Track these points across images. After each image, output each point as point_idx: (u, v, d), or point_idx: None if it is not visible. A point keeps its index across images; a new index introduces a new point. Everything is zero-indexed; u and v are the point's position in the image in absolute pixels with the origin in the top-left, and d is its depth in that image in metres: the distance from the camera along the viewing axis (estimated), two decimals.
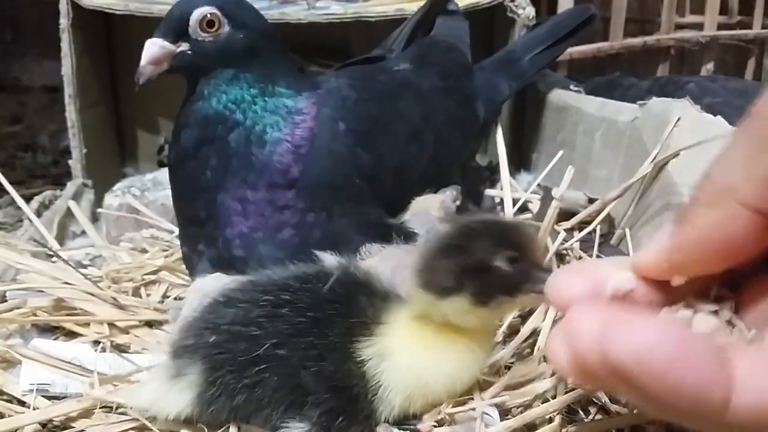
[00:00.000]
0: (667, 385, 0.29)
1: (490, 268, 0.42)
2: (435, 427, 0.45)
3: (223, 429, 0.45)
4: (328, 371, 0.43)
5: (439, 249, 0.44)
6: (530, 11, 0.90)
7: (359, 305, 0.45)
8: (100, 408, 0.49)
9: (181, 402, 0.44)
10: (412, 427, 0.44)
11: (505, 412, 0.45)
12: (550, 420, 0.44)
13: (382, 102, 0.66)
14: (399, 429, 0.44)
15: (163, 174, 0.92)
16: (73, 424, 0.48)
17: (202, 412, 0.44)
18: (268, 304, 0.45)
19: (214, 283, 0.54)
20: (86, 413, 0.48)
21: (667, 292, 0.36)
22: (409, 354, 0.44)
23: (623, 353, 0.29)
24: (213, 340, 0.44)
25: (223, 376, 0.43)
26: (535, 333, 0.55)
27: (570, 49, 0.95)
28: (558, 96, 0.93)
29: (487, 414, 0.44)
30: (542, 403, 0.45)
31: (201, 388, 0.44)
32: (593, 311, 0.32)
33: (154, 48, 0.60)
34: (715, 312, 0.36)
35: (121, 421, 0.47)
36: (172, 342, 0.47)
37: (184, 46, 0.60)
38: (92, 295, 0.62)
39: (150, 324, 0.61)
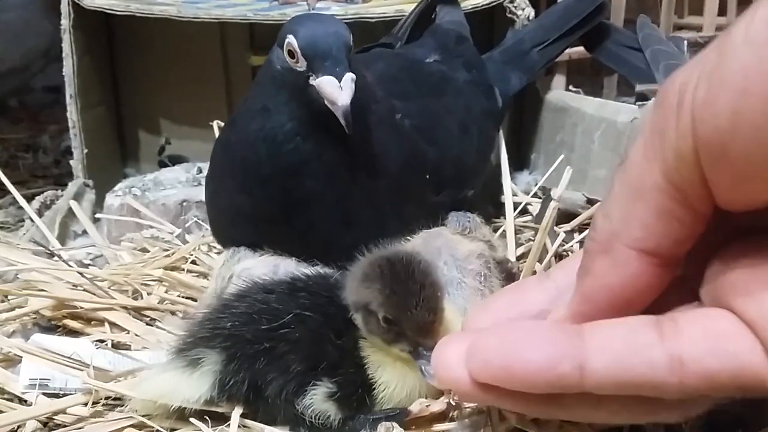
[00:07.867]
0: (521, 368, 0.33)
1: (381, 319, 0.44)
2: (438, 423, 0.45)
3: (225, 424, 0.45)
4: (346, 345, 0.46)
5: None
6: (529, 12, 0.90)
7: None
8: (102, 405, 0.49)
9: (202, 386, 0.46)
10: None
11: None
12: None
13: (434, 97, 0.67)
14: (392, 419, 0.44)
15: (164, 174, 0.92)
16: (76, 423, 0.48)
17: (221, 392, 0.46)
18: (285, 289, 0.48)
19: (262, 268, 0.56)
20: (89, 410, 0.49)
21: None
22: (393, 369, 0.46)
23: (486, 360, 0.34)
24: (230, 326, 0.46)
25: (242, 348, 0.45)
26: None
27: (568, 50, 0.94)
28: (557, 96, 0.94)
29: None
30: None
31: (220, 366, 0.45)
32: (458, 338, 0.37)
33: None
34: None
35: (121, 418, 0.47)
36: (182, 337, 0.48)
37: None
38: (93, 294, 0.62)
39: (150, 323, 0.61)
